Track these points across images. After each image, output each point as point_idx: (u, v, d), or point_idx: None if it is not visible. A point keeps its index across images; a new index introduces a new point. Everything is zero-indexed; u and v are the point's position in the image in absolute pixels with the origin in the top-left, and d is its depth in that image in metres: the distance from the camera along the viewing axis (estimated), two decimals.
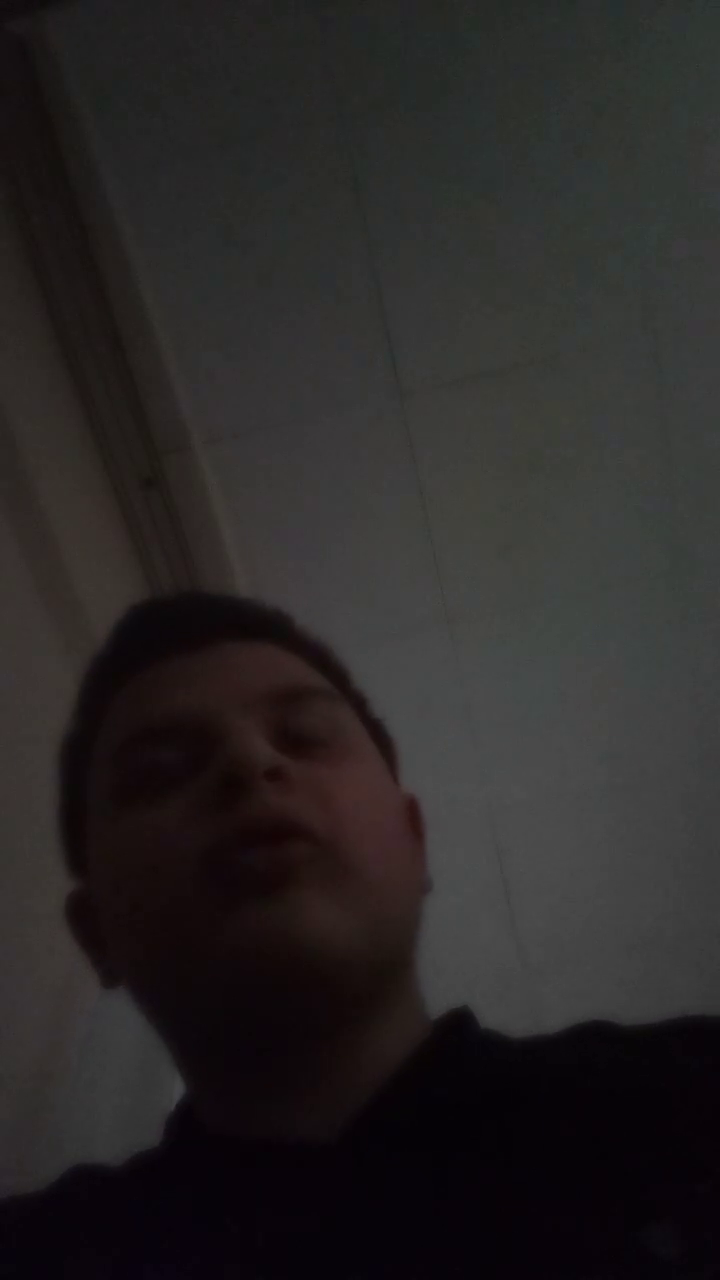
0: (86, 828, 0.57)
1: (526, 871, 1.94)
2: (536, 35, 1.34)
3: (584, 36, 1.34)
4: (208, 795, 0.49)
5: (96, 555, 1.47)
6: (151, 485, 1.57)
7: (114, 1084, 1.01)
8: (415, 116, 1.38)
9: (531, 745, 1.82)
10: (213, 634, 0.59)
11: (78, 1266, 0.43)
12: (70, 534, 1.32)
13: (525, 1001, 2.00)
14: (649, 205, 1.44)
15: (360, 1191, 0.42)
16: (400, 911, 0.51)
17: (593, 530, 1.65)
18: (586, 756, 1.83)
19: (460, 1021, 0.54)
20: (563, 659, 1.74)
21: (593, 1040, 0.52)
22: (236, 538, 1.64)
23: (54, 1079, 0.92)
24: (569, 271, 1.47)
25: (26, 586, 1.22)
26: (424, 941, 0.55)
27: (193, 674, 0.56)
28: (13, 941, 0.94)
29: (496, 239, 1.46)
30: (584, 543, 1.66)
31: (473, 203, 1.43)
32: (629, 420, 1.57)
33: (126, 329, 1.48)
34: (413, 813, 0.64)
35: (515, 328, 1.51)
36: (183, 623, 0.61)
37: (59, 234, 1.40)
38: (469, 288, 1.48)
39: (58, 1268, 0.43)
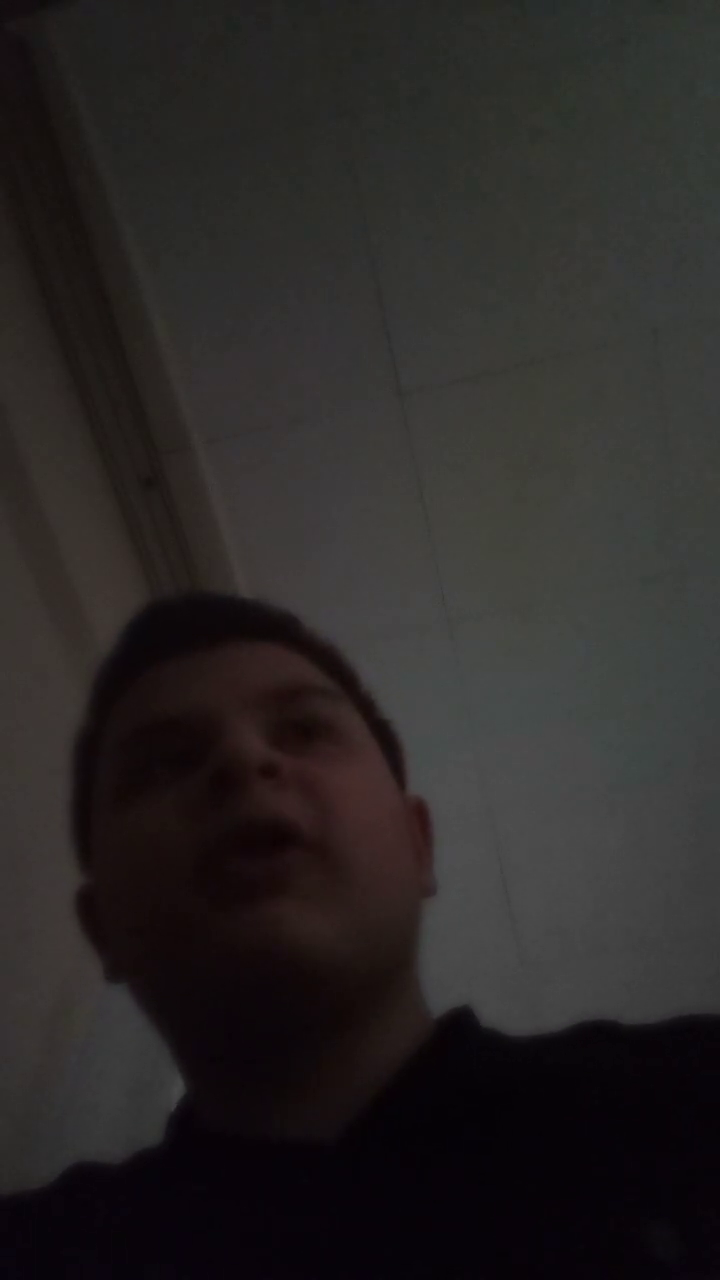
0: (93, 823, 0.57)
1: (526, 871, 1.94)
2: (536, 35, 1.34)
3: (583, 35, 1.34)
4: (201, 792, 0.49)
5: (96, 555, 1.47)
6: (151, 485, 1.57)
7: (115, 1083, 1.01)
8: (415, 116, 1.38)
9: (531, 745, 1.82)
10: (220, 635, 0.59)
11: (78, 1264, 0.43)
12: (70, 534, 1.32)
13: (525, 1001, 2.00)
14: (649, 205, 1.44)
15: (360, 1192, 0.42)
16: (396, 914, 0.51)
17: (593, 530, 1.65)
18: (586, 756, 1.83)
19: (462, 1020, 0.54)
20: (563, 659, 1.74)
21: (594, 1039, 0.52)
22: (236, 538, 1.64)
23: (54, 1079, 0.92)
24: (569, 271, 1.47)
25: (27, 586, 1.22)
26: (424, 941, 0.55)
27: (197, 673, 0.56)
28: (13, 941, 0.94)
29: (496, 239, 1.45)
30: (584, 543, 1.66)
31: (473, 203, 1.43)
32: (629, 420, 1.57)
33: (126, 329, 1.48)
34: (421, 816, 0.64)
35: (515, 328, 1.51)
36: (191, 624, 0.61)
37: (59, 234, 1.40)
38: (469, 288, 1.48)
39: (58, 1265, 0.43)
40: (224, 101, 1.37)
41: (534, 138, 1.40)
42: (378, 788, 0.56)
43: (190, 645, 0.58)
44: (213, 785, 0.49)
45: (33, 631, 1.21)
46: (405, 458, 1.59)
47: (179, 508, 1.60)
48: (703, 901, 1.96)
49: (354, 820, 0.50)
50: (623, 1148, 0.41)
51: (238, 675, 0.56)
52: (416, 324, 1.50)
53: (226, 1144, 0.48)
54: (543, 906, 1.97)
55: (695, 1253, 0.36)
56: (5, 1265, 0.44)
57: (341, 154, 1.40)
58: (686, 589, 1.69)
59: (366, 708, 0.63)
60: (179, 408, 1.54)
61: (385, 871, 0.51)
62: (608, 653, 1.74)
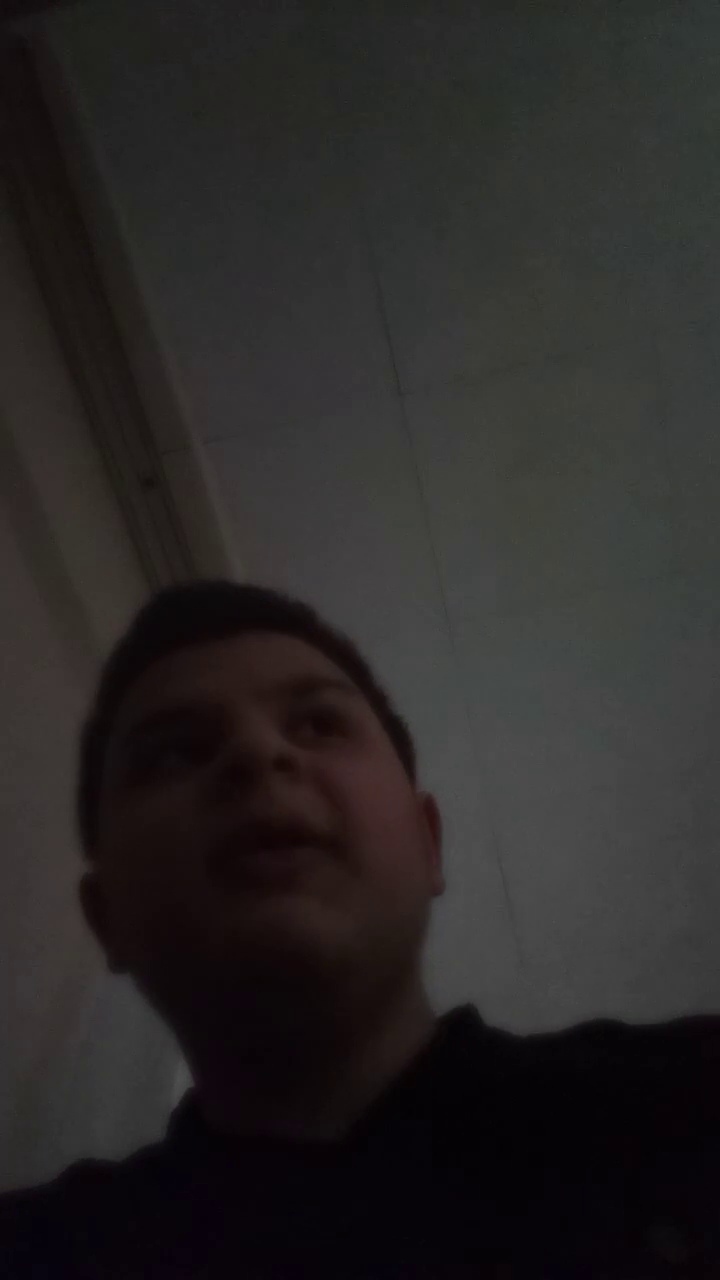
0: (100, 811, 0.57)
1: (526, 871, 1.94)
2: (535, 37, 1.34)
3: (583, 38, 1.34)
4: (215, 784, 0.49)
5: (96, 555, 1.47)
6: (151, 485, 1.57)
7: (116, 1081, 1.01)
8: (415, 117, 1.38)
9: (531, 745, 1.82)
10: (235, 624, 0.59)
11: (80, 1262, 0.43)
12: (70, 534, 1.32)
13: (525, 1001, 2.00)
14: (648, 205, 1.44)
15: (364, 1190, 0.42)
16: (408, 913, 0.51)
17: (593, 530, 1.65)
18: (586, 756, 1.83)
19: (465, 1020, 0.54)
20: (563, 659, 1.74)
21: (598, 1039, 0.51)
22: (236, 538, 1.64)
23: (54, 1075, 0.92)
24: (569, 271, 1.47)
25: (27, 586, 1.22)
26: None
27: (210, 663, 0.56)
28: (13, 937, 0.94)
29: (496, 240, 1.45)
30: (584, 543, 1.66)
31: (473, 204, 1.43)
32: (629, 420, 1.57)
33: (126, 329, 1.48)
34: (430, 813, 0.63)
35: (515, 328, 1.51)
36: (205, 611, 0.61)
37: (59, 234, 1.40)
38: (469, 288, 1.48)
39: (60, 1263, 0.43)
40: (224, 102, 1.37)
41: (534, 138, 1.40)
42: (391, 784, 0.56)
43: (203, 634, 0.58)
44: (226, 778, 0.48)
45: (32, 631, 1.21)
46: (405, 458, 1.59)
47: (179, 508, 1.60)
48: (703, 902, 1.96)
49: (369, 818, 0.50)
50: (627, 1147, 0.41)
51: (252, 666, 0.55)
52: (416, 324, 1.50)
53: (230, 1141, 0.48)
54: (543, 907, 1.97)
55: (700, 1252, 0.36)
56: (7, 1262, 0.44)
57: (342, 154, 1.40)
58: (687, 589, 1.69)
59: (379, 702, 0.63)
60: (179, 408, 1.54)
61: (399, 870, 0.51)
62: (608, 652, 1.74)
